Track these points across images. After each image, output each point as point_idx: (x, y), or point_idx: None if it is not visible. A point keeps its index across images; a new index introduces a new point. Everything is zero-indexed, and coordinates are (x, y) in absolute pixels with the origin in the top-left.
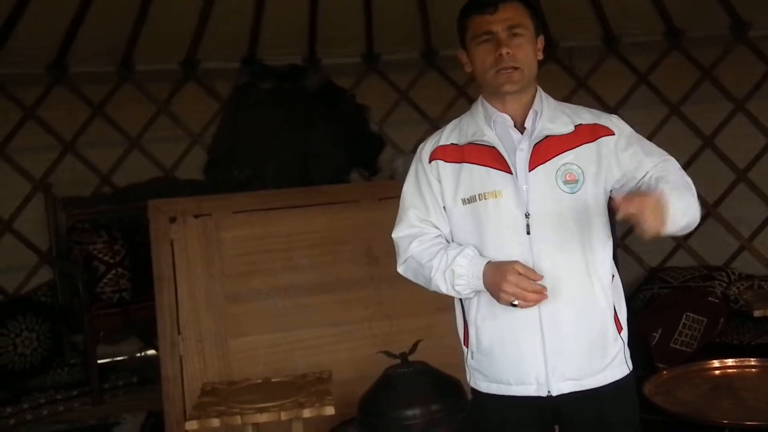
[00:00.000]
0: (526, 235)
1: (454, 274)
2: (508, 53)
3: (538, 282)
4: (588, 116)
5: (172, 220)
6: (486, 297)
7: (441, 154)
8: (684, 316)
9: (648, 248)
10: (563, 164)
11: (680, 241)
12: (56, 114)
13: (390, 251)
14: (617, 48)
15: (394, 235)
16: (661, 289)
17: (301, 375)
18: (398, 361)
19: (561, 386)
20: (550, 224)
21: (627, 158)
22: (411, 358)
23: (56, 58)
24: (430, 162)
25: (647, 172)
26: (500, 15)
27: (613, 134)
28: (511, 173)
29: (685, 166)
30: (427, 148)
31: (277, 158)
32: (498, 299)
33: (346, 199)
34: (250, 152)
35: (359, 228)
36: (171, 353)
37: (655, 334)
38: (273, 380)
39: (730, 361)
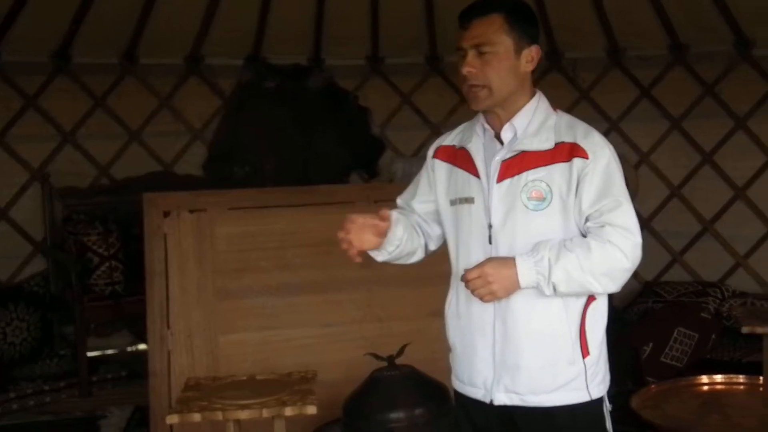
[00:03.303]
0: (489, 244)
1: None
2: (469, 72)
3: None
4: (575, 134)
5: (167, 214)
6: (456, 295)
7: (442, 153)
8: (675, 330)
9: (643, 261)
10: (531, 180)
11: (676, 256)
12: (57, 104)
13: None
14: (621, 60)
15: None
16: (655, 303)
17: (286, 374)
18: (385, 363)
19: (503, 398)
20: (509, 238)
21: (583, 191)
22: (398, 361)
23: (60, 47)
24: (433, 158)
25: (587, 220)
26: (470, 32)
27: (587, 158)
28: (482, 182)
29: (684, 181)
30: (434, 145)
31: (277, 157)
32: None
33: (342, 200)
34: (250, 150)
35: None
36: (160, 348)
37: (645, 347)
38: (257, 377)
39: (718, 378)
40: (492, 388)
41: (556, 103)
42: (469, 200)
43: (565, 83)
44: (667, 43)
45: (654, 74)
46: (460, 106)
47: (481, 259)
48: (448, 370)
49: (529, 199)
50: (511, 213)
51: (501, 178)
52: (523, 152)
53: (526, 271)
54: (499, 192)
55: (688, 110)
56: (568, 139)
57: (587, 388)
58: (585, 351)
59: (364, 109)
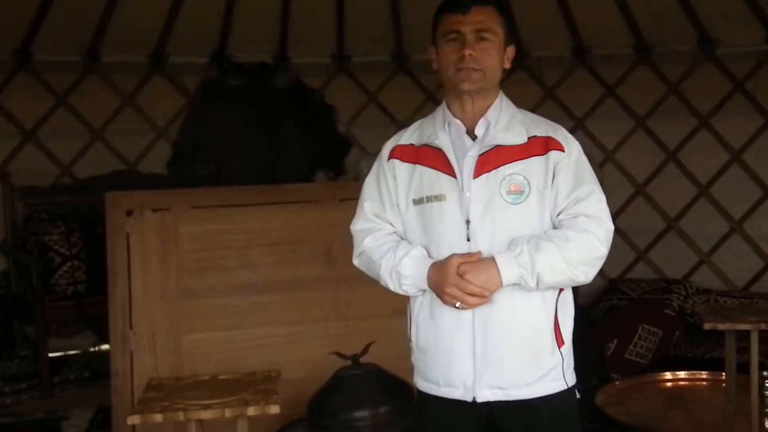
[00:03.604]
0: (466, 241)
1: (400, 275)
2: (470, 55)
3: (476, 257)
4: (544, 128)
5: (130, 213)
6: (429, 297)
7: (399, 153)
8: (640, 327)
9: (608, 259)
10: (509, 174)
11: (641, 254)
12: (19, 102)
13: (349, 252)
14: (587, 59)
15: (351, 227)
16: (620, 300)
17: (250, 373)
18: (350, 362)
19: (486, 394)
20: (489, 233)
21: (559, 183)
22: (363, 360)
23: (21, 44)
24: (388, 160)
25: (561, 212)
26: (471, 17)
27: (563, 151)
28: (457, 178)
29: (649, 179)
30: (388, 146)
31: (243, 155)
32: (442, 301)
33: (307, 198)
34: (215, 148)
35: (319, 228)
36: (122, 348)
37: (610, 344)
38: (220, 377)
39: (682, 374)
40: (474, 386)
41: (521, 102)
42: (439, 198)
43: (531, 82)
44: (631, 43)
45: (619, 73)
46: (427, 104)
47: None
48: (412, 368)
49: (508, 193)
50: (489, 208)
51: (478, 173)
52: (498, 147)
53: (507, 268)
54: (478, 187)
55: (652, 109)
56: (539, 133)
57: (564, 377)
58: (560, 341)
59: (330, 107)
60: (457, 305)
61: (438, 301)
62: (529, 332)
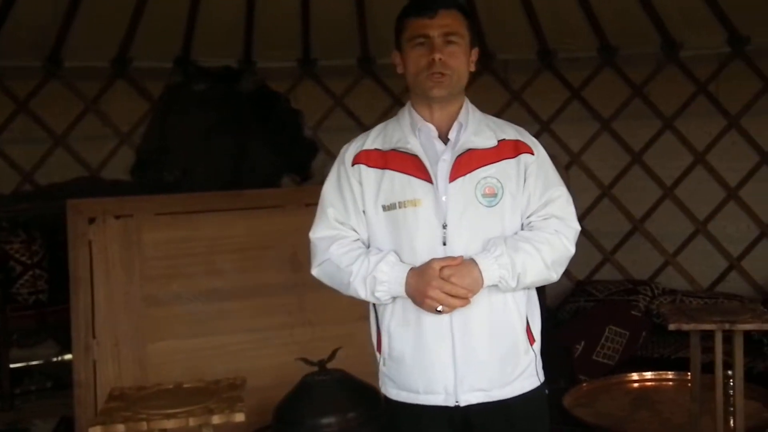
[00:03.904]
0: (442, 246)
1: (376, 280)
2: (440, 59)
3: (457, 260)
4: (512, 132)
5: (92, 220)
6: (400, 304)
7: (364, 158)
8: (607, 329)
9: (575, 260)
10: (483, 177)
11: (607, 255)
12: None
13: None
14: (552, 62)
15: (311, 235)
16: (587, 302)
17: (214, 381)
18: (316, 368)
19: (469, 397)
20: (466, 236)
21: (530, 186)
22: (330, 365)
23: None
24: (352, 165)
25: (532, 214)
26: (438, 21)
27: (533, 154)
28: (432, 183)
29: (614, 181)
30: (350, 151)
31: (208, 161)
32: (422, 306)
33: (272, 203)
34: (180, 154)
35: (284, 233)
36: (84, 357)
37: (578, 346)
38: (185, 386)
39: (648, 375)
40: (457, 390)
41: (487, 105)
42: (413, 203)
43: (497, 85)
44: (596, 46)
45: (584, 76)
46: (393, 108)
47: (426, 260)
48: (380, 377)
49: (483, 196)
50: (466, 212)
51: (453, 177)
52: (471, 150)
53: (489, 269)
54: (455, 191)
55: (617, 111)
56: (507, 136)
57: (537, 374)
58: (532, 339)
59: (296, 111)
60: (438, 309)
61: (412, 307)
62: (506, 332)
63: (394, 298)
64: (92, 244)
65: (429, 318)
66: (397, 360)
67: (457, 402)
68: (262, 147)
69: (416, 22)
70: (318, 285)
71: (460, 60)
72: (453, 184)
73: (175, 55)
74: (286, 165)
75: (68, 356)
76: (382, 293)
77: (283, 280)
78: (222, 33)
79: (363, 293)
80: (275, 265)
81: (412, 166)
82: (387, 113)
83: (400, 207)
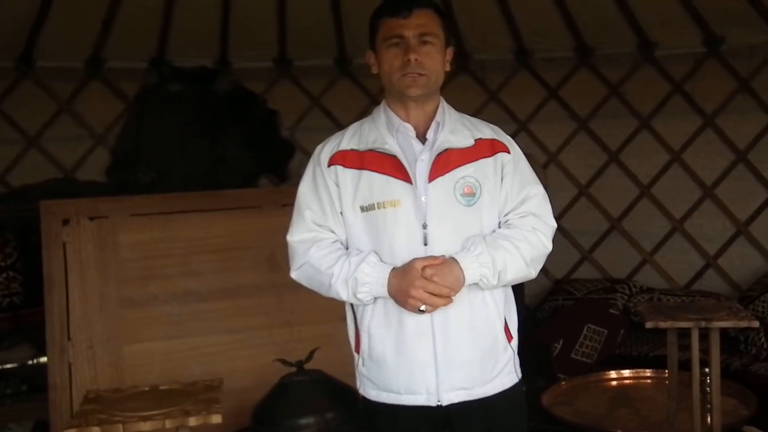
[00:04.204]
0: (423, 246)
1: (357, 281)
2: (416, 59)
3: (439, 260)
4: (487, 131)
5: (66, 222)
6: (381, 304)
7: (341, 159)
8: (585, 327)
9: (554, 259)
10: (462, 177)
11: (585, 254)
12: None
13: None
14: (529, 62)
15: (289, 238)
16: (565, 300)
17: (191, 383)
18: (294, 369)
19: (451, 396)
20: (447, 236)
21: (507, 184)
22: (308, 366)
23: None
24: (329, 166)
25: (509, 212)
26: (413, 20)
27: (509, 152)
28: (411, 183)
29: (592, 180)
30: (326, 152)
31: (184, 162)
32: (405, 306)
33: (249, 204)
34: (155, 155)
35: (261, 234)
36: (60, 360)
37: (556, 344)
38: (161, 388)
39: (626, 373)
40: (438, 390)
41: (465, 105)
42: (392, 203)
43: (474, 85)
44: (572, 45)
45: (560, 75)
46: (370, 107)
47: (407, 260)
48: (359, 378)
49: (462, 195)
50: (446, 211)
51: (433, 177)
52: (449, 150)
53: (470, 267)
54: (435, 191)
55: (594, 111)
56: (484, 135)
57: (515, 371)
58: (509, 336)
59: (272, 111)
60: (422, 308)
61: (394, 308)
62: (486, 330)
63: (375, 299)
64: (67, 245)
65: (410, 318)
66: (378, 361)
67: (439, 401)
68: (239, 147)
69: (391, 22)
70: (296, 285)
71: (436, 60)
72: (432, 183)
73: (150, 56)
74: (263, 165)
75: (43, 359)
76: (364, 294)
77: (260, 280)
78: (197, 33)
79: (344, 295)
80: (253, 265)
81: (391, 166)
82: (364, 113)
83: (378, 208)
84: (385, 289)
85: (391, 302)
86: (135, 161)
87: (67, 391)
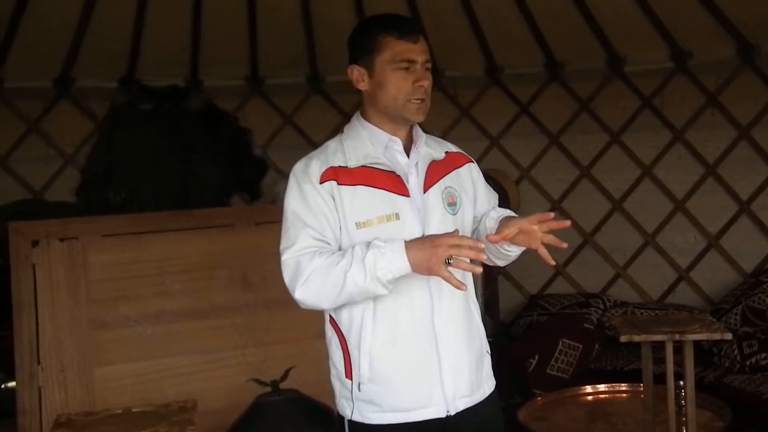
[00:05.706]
0: None
1: (376, 258)
2: (427, 85)
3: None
4: (449, 145)
5: (35, 243)
6: (383, 321)
7: (333, 175)
8: (560, 342)
9: (528, 275)
10: (446, 187)
11: (559, 269)
12: None
13: (266, 276)
14: (500, 78)
15: (289, 255)
16: (540, 316)
17: (164, 404)
18: (269, 389)
19: (458, 404)
20: None
21: (479, 192)
22: (283, 385)
23: None
24: (321, 183)
25: (492, 208)
26: (420, 46)
27: (473, 163)
28: (409, 196)
29: (564, 195)
30: (314, 168)
31: (156, 181)
32: (430, 260)
33: (222, 223)
34: (126, 174)
35: (234, 253)
36: (29, 384)
37: (531, 360)
38: (134, 410)
39: (602, 387)
40: (446, 400)
41: (437, 122)
42: (392, 217)
43: (446, 101)
44: (542, 61)
45: (531, 91)
46: (343, 125)
47: (415, 274)
48: (348, 404)
49: (448, 205)
50: (441, 221)
51: (427, 187)
52: (433, 162)
53: None
54: (430, 201)
55: (565, 126)
56: (449, 149)
57: (492, 376)
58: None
59: (244, 129)
60: (450, 261)
61: (396, 322)
62: (475, 335)
63: (390, 283)
64: (36, 267)
65: (414, 330)
66: (383, 382)
67: (448, 411)
68: (211, 166)
69: (400, 45)
70: (270, 304)
71: (431, 84)
72: (427, 194)
73: (120, 75)
74: (235, 184)
75: (12, 384)
76: (384, 271)
77: (233, 300)
78: (168, 52)
79: (362, 279)
80: (226, 285)
81: (387, 180)
82: (337, 130)
83: (378, 223)
84: (404, 256)
85: (392, 316)
86: (106, 181)
87: (37, 416)
